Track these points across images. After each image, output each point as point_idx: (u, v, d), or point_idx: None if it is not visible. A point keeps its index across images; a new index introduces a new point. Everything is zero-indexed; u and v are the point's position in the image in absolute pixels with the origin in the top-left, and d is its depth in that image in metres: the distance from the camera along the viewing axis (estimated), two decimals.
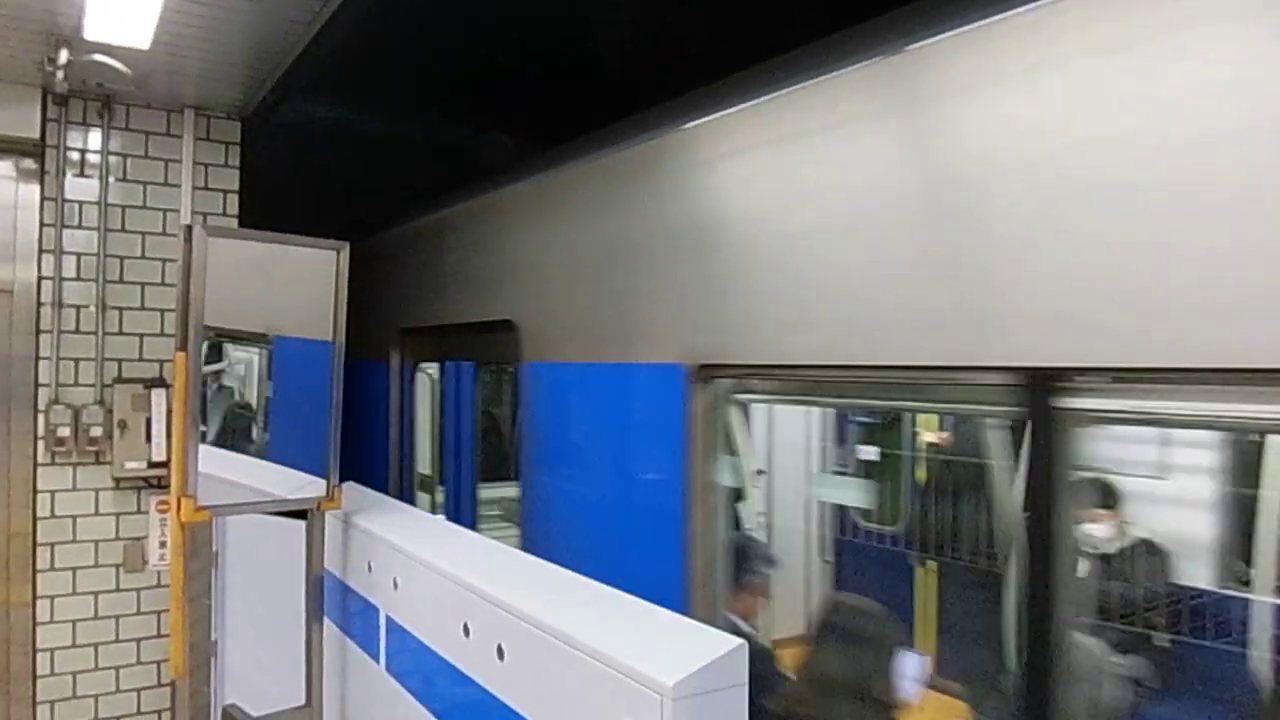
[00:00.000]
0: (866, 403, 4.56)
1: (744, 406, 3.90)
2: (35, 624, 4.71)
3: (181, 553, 3.29)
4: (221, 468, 3.46)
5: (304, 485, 3.58)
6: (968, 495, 5.39)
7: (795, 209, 2.79)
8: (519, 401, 4.29)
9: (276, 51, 4.22)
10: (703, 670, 1.91)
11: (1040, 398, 2.08)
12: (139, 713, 4.90)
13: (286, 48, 4.17)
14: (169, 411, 4.70)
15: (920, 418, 5.79)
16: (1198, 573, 4.59)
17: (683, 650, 2.00)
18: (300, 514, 3.70)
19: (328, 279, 3.68)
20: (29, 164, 4.76)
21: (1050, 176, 2.05)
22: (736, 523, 4.35)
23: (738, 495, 4.37)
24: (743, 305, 2.92)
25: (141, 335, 4.91)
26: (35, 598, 4.71)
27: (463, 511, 5.15)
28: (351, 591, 3.60)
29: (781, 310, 2.79)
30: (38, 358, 4.71)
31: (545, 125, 4.57)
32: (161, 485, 4.83)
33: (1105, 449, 4.58)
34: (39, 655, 4.72)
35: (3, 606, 4.72)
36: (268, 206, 4.94)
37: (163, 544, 4.86)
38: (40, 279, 4.71)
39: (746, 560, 3.50)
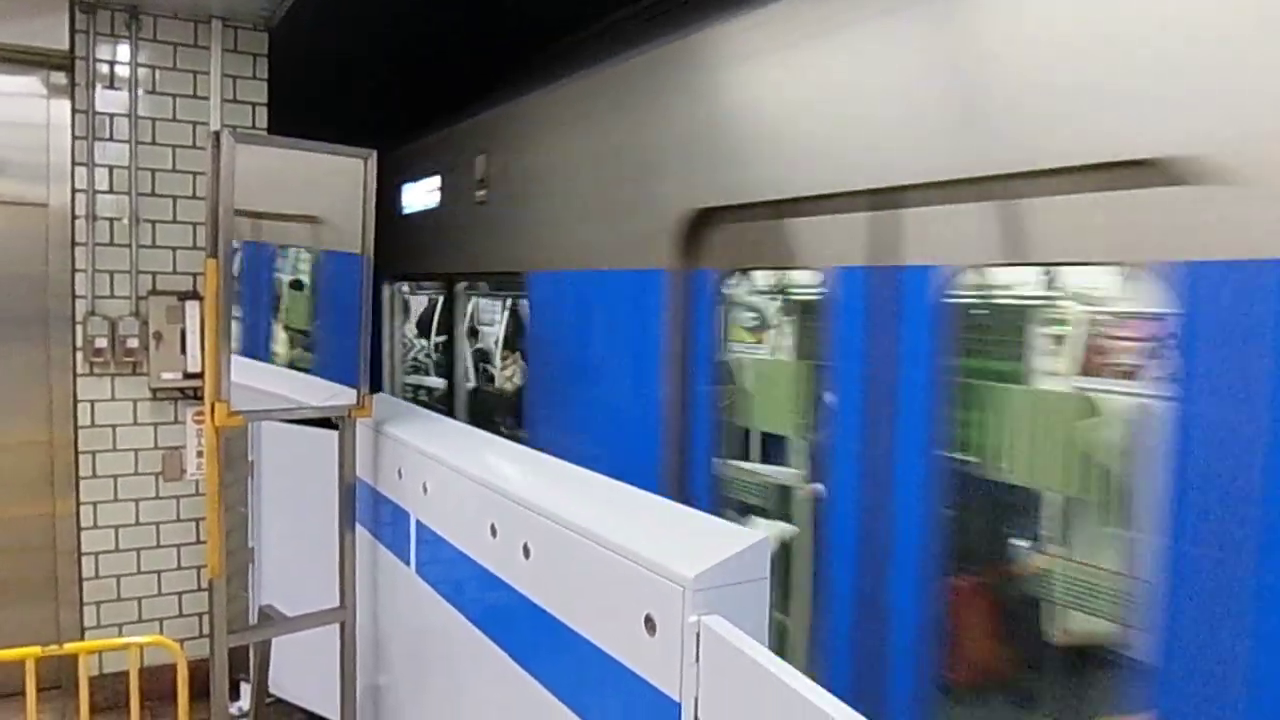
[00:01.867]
0: None
1: None
2: (80, 529, 4.86)
3: (216, 458, 3.35)
4: (257, 379, 3.51)
5: (336, 395, 3.63)
6: None
7: None
8: None
9: None
10: (723, 564, 1.93)
11: None
12: (181, 614, 5.07)
13: None
14: (203, 323, 4.75)
15: None
16: None
17: (704, 545, 2.02)
18: (332, 424, 3.77)
19: (355, 188, 3.68)
20: (59, 78, 4.74)
21: None
22: None
23: None
24: None
25: (174, 248, 4.95)
26: (79, 504, 4.85)
27: None
28: (382, 497, 3.67)
29: None
30: (74, 270, 4.77)
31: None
32: (197, 396, 4.91)
33: None
34: (84, 559, 4.88)
35: (49, 514, 4.87)
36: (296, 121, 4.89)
37: (200, 454, 4.97)
38: (74, 192, 4.73)
39: None
